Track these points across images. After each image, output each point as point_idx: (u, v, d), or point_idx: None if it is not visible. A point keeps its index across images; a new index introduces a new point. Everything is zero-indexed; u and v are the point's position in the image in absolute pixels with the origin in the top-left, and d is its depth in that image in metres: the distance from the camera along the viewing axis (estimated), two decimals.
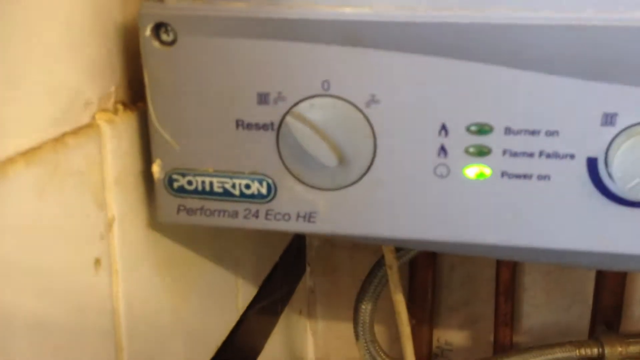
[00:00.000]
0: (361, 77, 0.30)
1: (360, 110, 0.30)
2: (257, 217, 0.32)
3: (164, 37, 0.31)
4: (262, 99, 0.31)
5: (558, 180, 0.29)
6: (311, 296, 0.74)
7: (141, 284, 0.34)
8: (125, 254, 0.32)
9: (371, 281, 0.53)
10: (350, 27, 0.29)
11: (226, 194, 0.32)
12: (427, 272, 0.67)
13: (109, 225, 0.31)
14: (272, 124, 0.31)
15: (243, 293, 0.50)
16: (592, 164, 0.29)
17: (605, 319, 0.64)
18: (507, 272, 0.65)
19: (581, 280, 0.66)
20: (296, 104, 0.30)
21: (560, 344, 0.60)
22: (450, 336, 0.71)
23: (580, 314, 0.67)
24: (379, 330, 0.67)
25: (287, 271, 0.64)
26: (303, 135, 0.30)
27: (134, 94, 0.34)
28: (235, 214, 0.32)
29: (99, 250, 0.30)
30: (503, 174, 0.30)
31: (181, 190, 0.33)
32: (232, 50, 0.31)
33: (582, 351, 0.59)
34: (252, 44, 0.30)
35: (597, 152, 0.29)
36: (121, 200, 0.32)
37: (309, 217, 0.32)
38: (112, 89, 0.32)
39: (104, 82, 0.32)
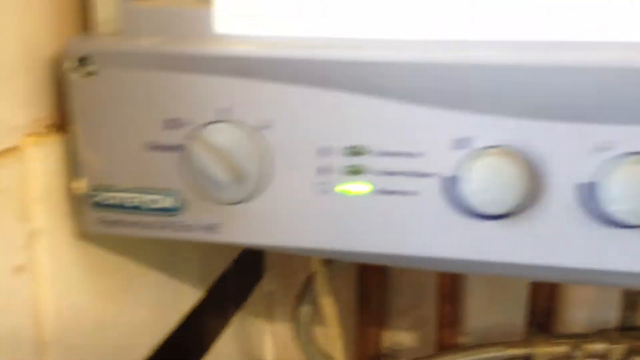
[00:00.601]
0: (255, 105, 0.34)
1: (254, 134, 0.34)
2: (167, 228, 0.37)
3: (87, 68, 0.36)
4: (170, 124, 0.35)
5: (423, 196, 0.33)
6: (270, 299, 0.78)
7: (69, 290, 0.38)
8: (51, 262, 0.36)
9: (308, 284, 0.57)
10: (244, 62, 0.33)
11: (140, 208, 0.36)
12: (376, 277, 0.71)
13: (34, 236, 0.35)
14: (178, 146, 0.35)
15: (188, 296, 0.55)
16: (449, 182, 0.33)
17: (539, 321, 0.68)
18: (449, 277, 0.69)
19: (519, 285, 0.70)
20: (198, 128, 0.35)
21: (493, 344, 0.64)
22: (401, 337, 0.75)
23: (519, 316, 0.71)
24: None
25: (241, 275, 0.68)
26: (203, 156, 0.34)
27: (62, 119, 0.38)
28: (148, 226, 0.37)
29: (21, 259, 0.34)
30: (377, 190, 0.34)
31: (101, 205, 0.37)
32: (144, 81, 0.35)
33: (513, 351, 0.63)
34: (161, 76, 0.35)
35: (453, 172, 0.33)
36: (48, 213, 0.36)
37: (212, 228, 0.36)
38: (42, 114, 0.37)
39: (33, 108, 0.36)
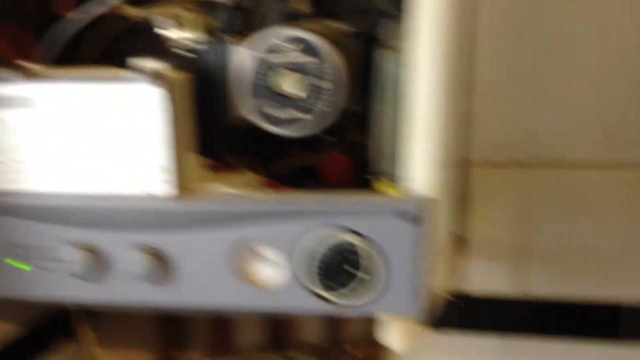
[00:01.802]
0: None
1: None
2: None
3: None
4: None
5: (62, 271, 0.62)
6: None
7: None
8: None
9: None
10: None
11: None
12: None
13: None
14: None
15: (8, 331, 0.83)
16: (64, 263, 0.62)
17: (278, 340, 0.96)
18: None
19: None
20: None
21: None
22: (194, 356, 1.04)
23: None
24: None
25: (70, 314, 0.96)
26: None
27: None
28: None
29: None
30: (35, 267, 0.63)
31: None
32: None
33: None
34: None
35: (67, 258, 0.62)
36: None
37: None
38: None
39: None
